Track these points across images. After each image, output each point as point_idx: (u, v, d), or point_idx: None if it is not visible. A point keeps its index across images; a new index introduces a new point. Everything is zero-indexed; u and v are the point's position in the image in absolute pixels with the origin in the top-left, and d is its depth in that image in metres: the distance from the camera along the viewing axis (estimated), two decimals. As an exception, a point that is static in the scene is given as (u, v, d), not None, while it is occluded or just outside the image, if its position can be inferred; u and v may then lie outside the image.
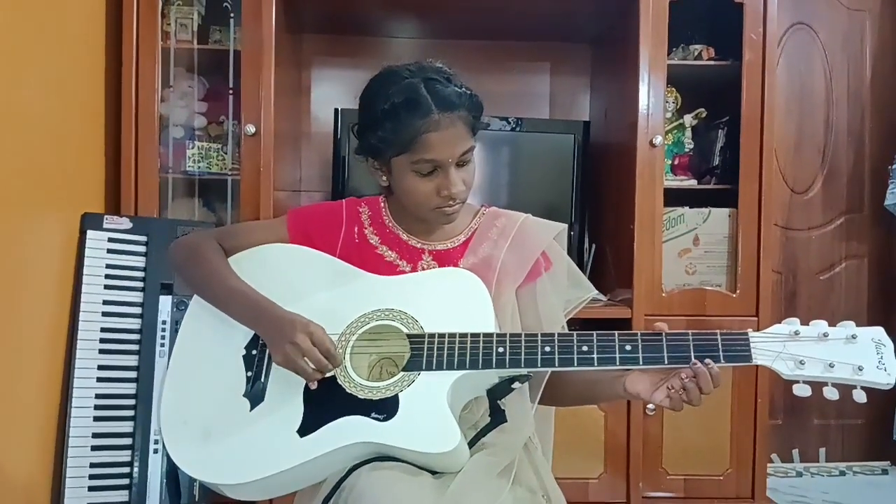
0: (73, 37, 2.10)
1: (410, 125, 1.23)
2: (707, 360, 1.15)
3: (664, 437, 2.40)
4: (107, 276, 2.08)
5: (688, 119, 2.63)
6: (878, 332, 1.14)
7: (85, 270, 2.05)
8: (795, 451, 3.06)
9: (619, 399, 1.35)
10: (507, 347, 1.19)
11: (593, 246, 2.65)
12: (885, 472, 3.01)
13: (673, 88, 2.56)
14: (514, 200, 2.61)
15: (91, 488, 1.99)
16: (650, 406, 2.36)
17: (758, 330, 1.17)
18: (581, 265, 2.56)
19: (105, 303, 2.06)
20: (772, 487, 2.56)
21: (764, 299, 2.40)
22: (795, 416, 3.03)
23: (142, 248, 2.14)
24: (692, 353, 1.15)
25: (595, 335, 1.19)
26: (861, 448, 3.07)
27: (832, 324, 1.16)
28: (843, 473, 2.99)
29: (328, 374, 1.20)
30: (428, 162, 1.25)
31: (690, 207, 2.49)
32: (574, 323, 1.40)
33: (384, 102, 1.25)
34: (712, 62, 2.49)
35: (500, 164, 2.69)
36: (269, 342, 1.21)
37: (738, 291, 2.41)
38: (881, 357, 1.12)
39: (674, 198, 2.46)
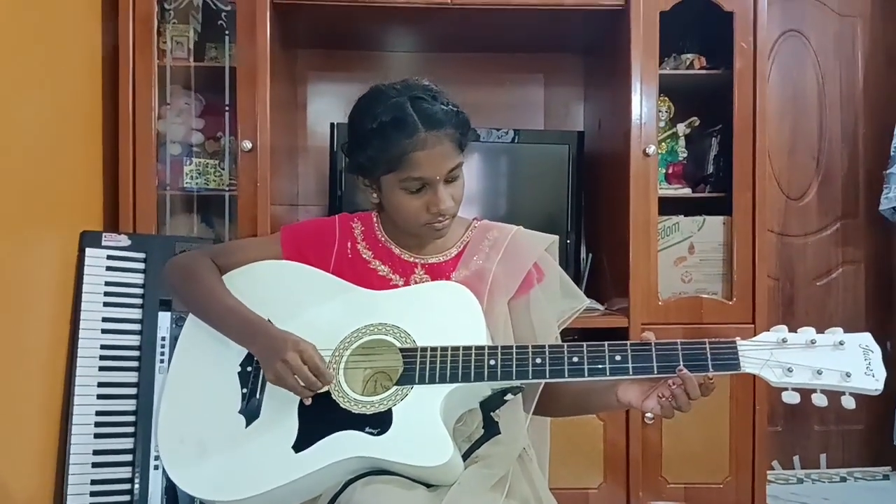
0: (70, 56, 2.12)
1: (398, 144, 1.24)
2: (710, 375, 1.16)
3: (664, 446, 2.40)
4: (106, 294, 2.09)
5: (681, 128, 2.65)
6: (866, 338, 1.15)
7: (84, 288, 2.06)
8: (796, 458, 3.06)
9: (613, 409, 1.36)
10: (499, 360, 1.20)
11: (589, 255, 2.66)
12: (886, 477, 3.00)
13: (665, 98, 2.58)
14: (510, 211, 2.62)
15: (92, 505, 1.99)
16: (649, 415, 2.34)
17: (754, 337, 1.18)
18: (577, 275, 2.58)
19: (104, 320, 2.08)
20: (773, 494, 2.56)
21: (760, 306, 2.41)
22: (796, 423, 3.03)
23: (140, 265, 2.15)
24: (681, 362, 1.17)
25: (585, 346, 1.20)
26: (862, 454, 3.07)
27: (824, 331, 1.17)
28: (843, 479, 2.99)
29: (322, 390, 1.21)
30: (416, 180, 1.27)
31: (685, 216, 2.50)
32: (571, 332, 1.41)
33: (372, 122, 1.26)
34: (704, 71, 2.51)
35: (495, 175, 2.70)
36: (261, 360, 1.23)
37: (734, 299, 2.42)
38: (869, 363, 1.13)
39: (668, 206, 2.47)
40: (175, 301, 2.08)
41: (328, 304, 1.31)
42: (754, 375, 1.16)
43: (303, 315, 1.28)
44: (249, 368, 1.28)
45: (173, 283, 1.39)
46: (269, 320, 1.28)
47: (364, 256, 1.38)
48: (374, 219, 1.42)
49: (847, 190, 3.08)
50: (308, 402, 1.21)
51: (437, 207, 1.28)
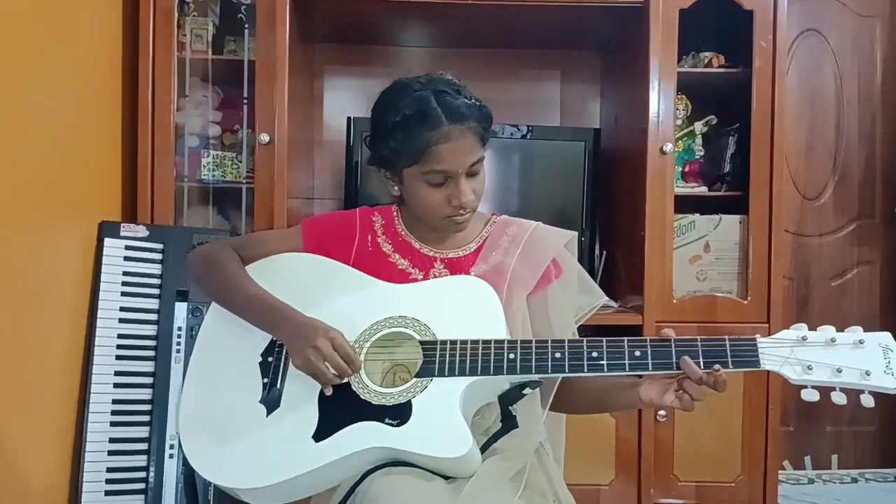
0: (90, 48, 2.13)
1: (421, 137, 1.25)
2: (716, 366, 1.16)
3: (675, 444, 2.40)
4: (124, 284, 2.11)
5: (698, 126, 2.64)
6: (886, 337, 1.15)
7: (102, 278, 2.08)
8: (808, 458, 3.06)
9: (634, 408, 1.37)
10: (518, 354, 1.21)
11: (604, 253, 2.66)
12: (897, 478, 3.00)
13: (683, 95, 2.57)
14: (525, 207, 2.62)
15: (108, 493, 2.01)
16: (661, 412, 2.37)
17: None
18: (592, 272, 2.57)
19: (122, 309, 2.10)
20: (784, 494, 2.56)
21: (775, 306, 2.40)
22: (808, 423, 3.03)
23: (158, 256, 2.17)
24: (701, 359, 1.17)
25: (605, 341, 1.20)
26: (874, 455, 3.07)
27: (844, 330, 1.17)
28: (855, 480, 2.98)
29: (343, 380, 1.22)
30: (438, 172, 1.27)
31: (701, 214, 2.50)
32: (585, 329, 1.41)
33: (395, 115, 1.27)
34: (722, 69, 2.50)
35: (510, 171, 2.70)
36: (289, 347, 1.24)
37: (749, 298, 2.41)
38: (888, 362, 1.13)
39: (684, 204, 2.47)
40: (198, 291, 2.08)
41: (348, 296, 1.32)
42: (768, 374, 1.16)
43: (323, 307, 1.29)
44: (270, 358, 1.29)
45: (197, 273, 1.40)
46: (291, 310, 1.29)
47: (384, 250, 1.39)
48: (395, 212, 1.43)
49: (863, 190, 3.07)
50: (329, 392, 1.21)
51: (458, 200, 1.29)
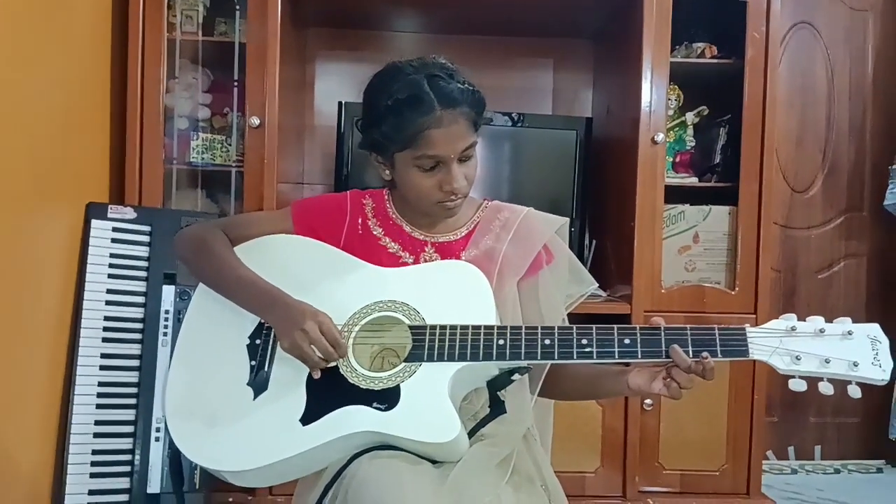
0: (80, 28, 2.11)
1: (413, 122, 1.24)
2: (704, 354, 1.17)
3: (661, 432, 2.42)
4: (111, 266, 2.10)
5: (689, 116, 2.64)
6: (874, 328, 1.16)
7: (89, 259, 2.07)
8: (791, 449, 3.08)
9: (622, 395, 1.37)
10: (508, 340, 1.21)
11: (593, 242, 2.66)
12: (879, 470, 3.03)
13: (675, 86, 2.58)
14: (516, 195, 2.60)
15: (93, 475, 2.01)
16: (647, 401, 2.38)
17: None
18: (581, 261, 2.56)
19: (109, 291, 2.09)
20: (767, 484, 2.58)
21: (763, 297, 2.42)
22: (792, 414, 3.05)
23: (145, 238, 2.15)
24: (690, 348, 1.17)
25: (594, 329, 1.20)
26: (856, 446, 3.10)
27: (832, 321, 1.18)
28: (838, 471, 3.01)
29: (331, 364, 1.22)
30: (430, 158, 1.27)
31: (691, 205, 2.51)
32: (573, 318, 1.41)
33: (387, 98, 1.26)
34: (715, 60, 2.51)
35: (501, 159, 2.70)
36: (277, 329, 1.23)
37: (736, 289, 2.43)
38: (876, 353, 1.13)
39: (674, 195, 2.48)
40: (183, 272, 2.08)
41: (338, 279, 1.31)
42: (754, 364, 1.16)
43: (313, 290, 1.28)
44: (258, 341, 1.28)
45: (184, 254, 1.39)
46: (280, 293, 1.28)
47: (374, 233, 1.38)
48: (386, 196, 1.42)
49: (853, 183, 3.09)
50: (317, 375, 1.21)
51: (449, 186, 1.28)
